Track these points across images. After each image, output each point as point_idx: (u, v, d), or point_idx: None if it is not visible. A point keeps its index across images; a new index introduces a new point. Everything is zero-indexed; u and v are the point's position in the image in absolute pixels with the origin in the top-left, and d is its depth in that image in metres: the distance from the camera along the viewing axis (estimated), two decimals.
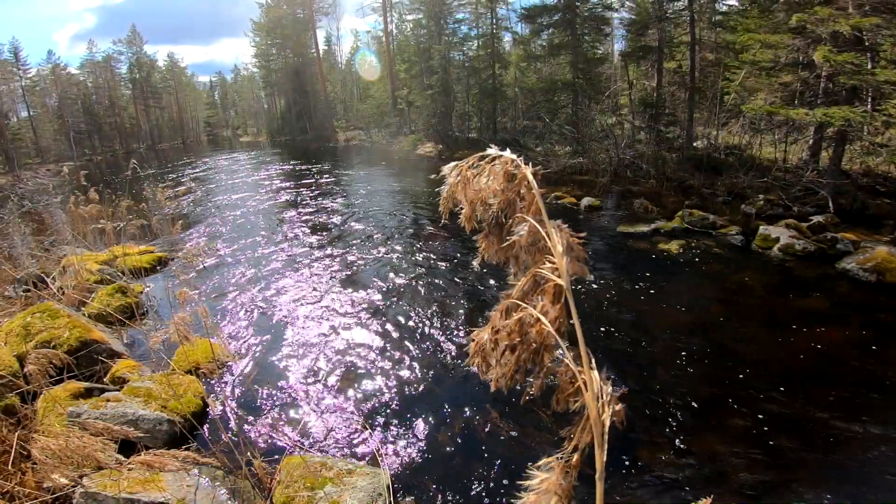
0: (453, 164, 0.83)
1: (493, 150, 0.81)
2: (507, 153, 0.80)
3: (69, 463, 2.08)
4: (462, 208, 0.82)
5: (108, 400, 3.62)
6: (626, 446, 3.40)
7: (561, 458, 0.69)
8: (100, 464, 2.20)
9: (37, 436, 2.42)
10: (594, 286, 6.31)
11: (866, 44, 8.89)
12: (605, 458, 0.68)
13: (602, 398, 0.67)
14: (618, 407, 0.67)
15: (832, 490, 3.00)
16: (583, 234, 0.74)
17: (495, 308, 0.77)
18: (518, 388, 0.76)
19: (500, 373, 0.74)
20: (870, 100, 9.44)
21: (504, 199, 0.77)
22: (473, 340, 0.78)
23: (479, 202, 0.80)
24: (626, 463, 3.25)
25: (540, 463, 0.70)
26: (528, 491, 0.68)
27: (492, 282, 6.28)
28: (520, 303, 0.73)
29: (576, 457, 0.68)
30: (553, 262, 0.69)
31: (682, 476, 3.14)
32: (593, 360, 0.68)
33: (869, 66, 8.71)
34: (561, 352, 0.71)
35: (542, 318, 0.69)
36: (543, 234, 0.71)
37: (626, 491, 3.03)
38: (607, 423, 0.66)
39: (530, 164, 0.79)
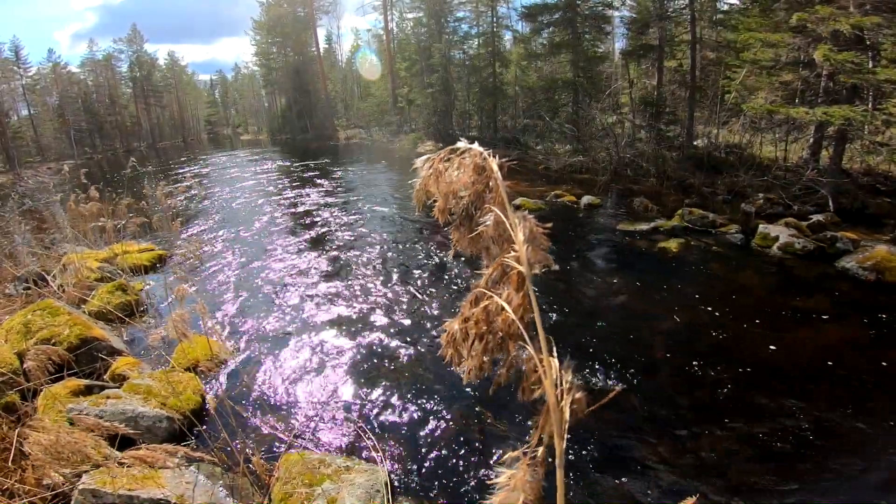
0: (425, 157, 0.84)
1: (462, 143, 0.82)
2: (476, 146, 0.81)
3: (61, 459, 2.09)
4: (436, 200, 0.83)
5: (107, 397, 3.64)
6: (622, 443, 3.41)
7: (526, 452, 0.69)
8: (90, 459, 2.21)
9: (28, 431, 2.43)
10: (593, 284, 6.31)
11: (867, 43, 8.87)
12: (564, 447, 0.67)
13: (561, 385, 0.67)
14: (578, 395, 0.67)
15: (832, 490, 3.01)
16: (549, 224, 0.75)
17: (465, 298, 0.77)
18: (489, 379, 0.76)
19: (472, 364, 0.74)
20: (870, 99, 9.44)
21: (474, 192, 0.78)
22: (445, 331, 0.78)
23: (451, 195, 0.80)
24: (621, 460, 3.26)
25: (505, 458, 0.69)
26: (496, 490, 0.67)
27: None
28: (486, 291, 0.73)
29: (541, 450, 0.67)
30: (517, 251, 0.70)
31: (680, 475, 3.14)
32: (554, 348, 0.68)
33: (869, 65, 8.70)
34: (526, 341, 0.71)
35: (506, 307, 0.69)
36: (507, 224, 0.71)
37: (623, 489, 3.04)
38: (567, 411, 0.66)
39: (497, 156, 0.80)
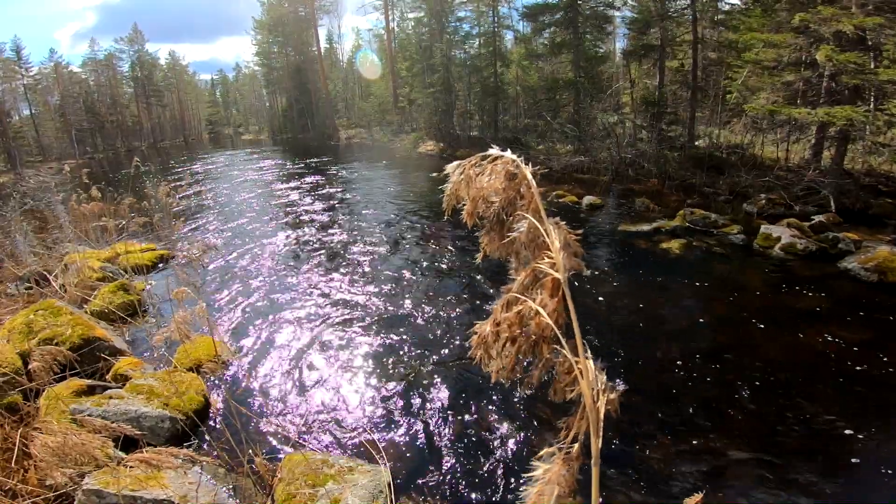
0: (457, 163, 0.86)
1: (494, 150, 0.83)
2: (508, 153, 0.82)
3: (68, 461, 2.08)
4: (464, 205, 0.85)
5: (110, 397, 3.64)
6: (626, 443, 3.41)
7: (562, 448, 0.72)
8: (97, 461, 2.20)
9: (35, 433, 2.43)
10: (596, 285, 6.31)
11: (869, 43, 8.87)
12: (600, 445, 0.70)
13: (597, 386, 0.69)
14: (612, 395, 0.70)
15: (832, 490, 3.01)
16: (580, 231, 0.76)
17: (497, 302, 0.80)
18: (518, 380, 0.78)
19: (501, 364, 0.77)
20: (872, 99, 9.42)
21: (505, 198, 0.80)
22: (476, 333, 0.81)
23: (480, 200, 0.82)
24: (626, 459, 3.26)
25: (542, 454, 0.72)
26: (532, 482, 0.70)
27: (491, 278, 6.29)
28: (520, 296, 0.75)
29: (576, 447, 0.70)
30: (551, 258, 0.72)
31: (680, 473, 3.14)
32: (588, 351, 0.70)
33: (871, 66, 8.69)
34: (559, 344, 0.73)
35: (541, 311, 0.71)
36: (542, 230, 0.73)
37: (625, 487, 3.04)
38: (602, 411, 0.68)
39: (530, 163, 0.81)
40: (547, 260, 0.72)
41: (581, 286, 6.26)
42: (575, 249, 0.72)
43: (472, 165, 0.84)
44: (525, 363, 0.77)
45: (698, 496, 1.51)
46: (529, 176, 0.78)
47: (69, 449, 1.99)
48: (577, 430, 0.70)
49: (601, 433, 0.69)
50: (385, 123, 32.86)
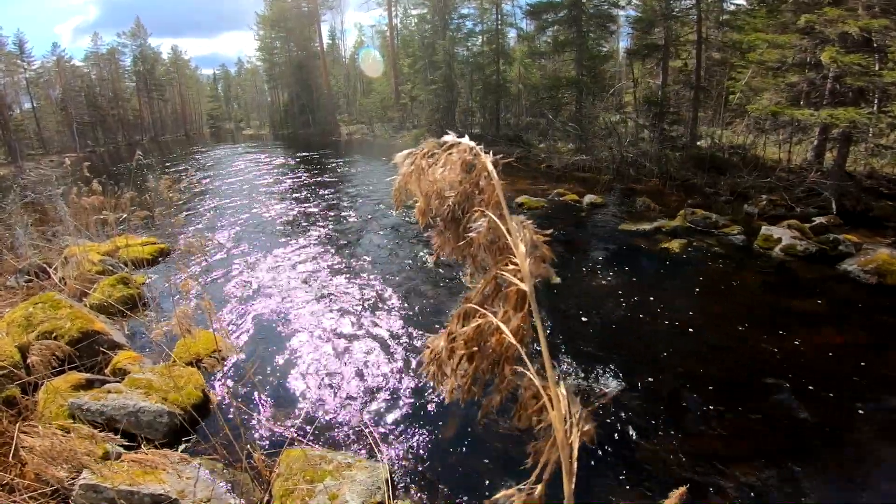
0: (406, 151, 0.75)
1: (450, 137, 0.73)
2: (466, 140, 0.72)
3: (54, 465, 2.07)
4: (416, 201, 0.74)
5: (109, 392, 3.63)
6: (623, 443, 3.41)
7: (522, 489, 0.61)
8: (85, 466, 2.18)
9: (24, 436, 2.41)
10: (594, 283, 6.30)
11: (874, 45, 8.82)
12: (573, 486, 0.59)
13: (570, 418, 0.59)
14: (587, 427, 0.60)
15: (831, 491, 3.01)
16: (549, 231, 0.66)
17: (453, 313, 0.70)
18: (476, 402, 0.70)
19: (456, 384, 0.67)
20: (876, 101, 9.38)
21: (461, 192, 0.70)
22: (428, 347, 0.71)
23: (434, 195, 0.72)
24: (622, 461, 3.26)
25: (498, 497, 0.62)
26: None
27: None
28: (479, 308, 0.66)
29: (539, 488, 0.60)
30: (515, 264, 0.62)
31: (679, 475, 3.14)
32: (559, 374, 0.61)
33: (876, 68, 8.65)
34: (524, 365, 0.64)
35: (503, 327, 0.62)
36: (504, 230, 0.63)
37: (621, 489, 3.04)
38: (576, 446, 0.58)
39: (490, 152, 0.71)
40: (511, 267, 0.62)
41: (579, 284, 6.25)
42: (542, 253, 0.63)
43: (425, 155, 0.73)
44: (484, 383, 0.67)
45: (681, 489, 1.48)
46: (490, 166, 0.67)
47: (57, 453, 1.98)
48: (547, 458, 0.59)
49: (574, 473, 0.58)
50: (386, 120, 32.82)
